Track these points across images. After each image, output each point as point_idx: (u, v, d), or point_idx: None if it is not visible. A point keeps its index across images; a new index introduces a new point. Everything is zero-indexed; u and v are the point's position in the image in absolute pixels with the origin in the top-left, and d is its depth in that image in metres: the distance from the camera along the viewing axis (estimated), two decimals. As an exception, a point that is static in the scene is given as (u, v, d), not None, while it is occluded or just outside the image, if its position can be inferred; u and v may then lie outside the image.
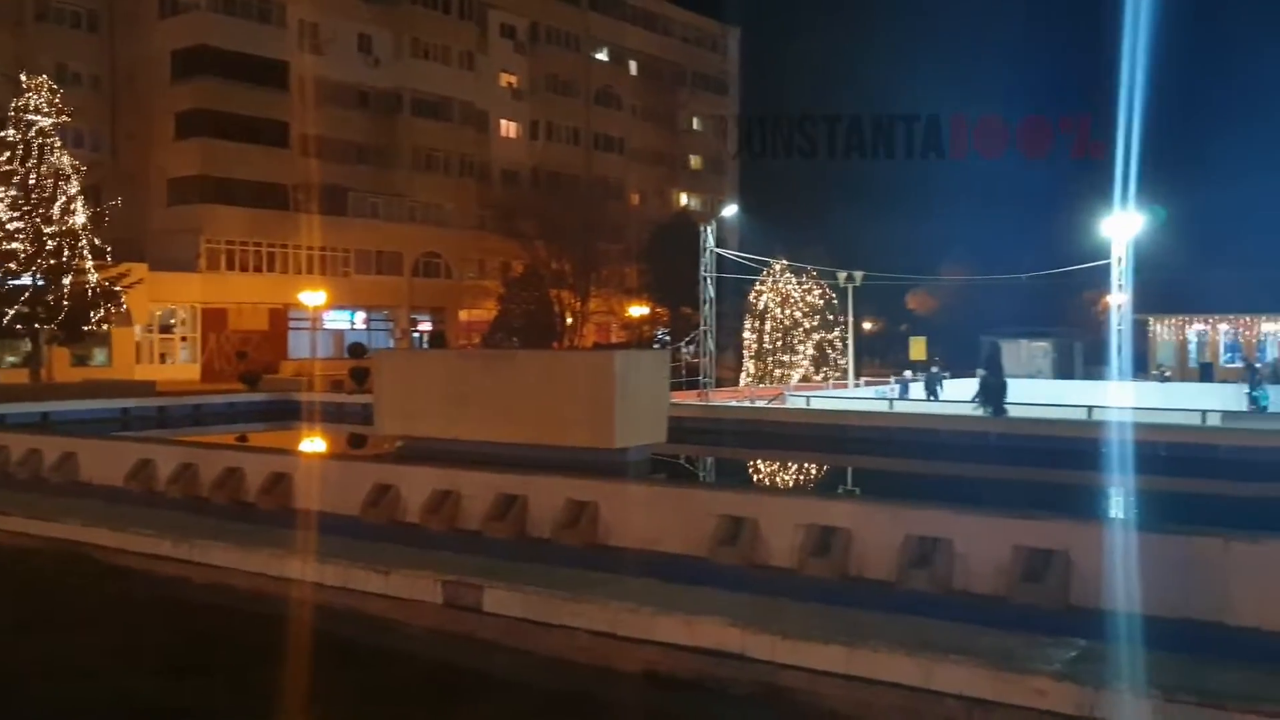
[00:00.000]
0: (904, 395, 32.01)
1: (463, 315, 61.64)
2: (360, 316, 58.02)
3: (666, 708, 6.58)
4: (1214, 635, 7.06)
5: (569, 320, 60.17)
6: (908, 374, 34.22)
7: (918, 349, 45.14)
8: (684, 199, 77.24)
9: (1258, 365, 35.48)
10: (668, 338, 55.40)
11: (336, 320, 56.44)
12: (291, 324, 54.63)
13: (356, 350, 34.06)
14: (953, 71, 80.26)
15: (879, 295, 54.63)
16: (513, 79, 66.18)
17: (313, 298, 49.60)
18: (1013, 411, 23.43)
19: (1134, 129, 30.37)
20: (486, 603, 7.78)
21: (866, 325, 62.16)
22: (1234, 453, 15.75)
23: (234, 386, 30.93)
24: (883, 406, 26.32)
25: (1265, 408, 29.08)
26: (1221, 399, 29.64)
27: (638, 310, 64.70)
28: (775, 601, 7.23)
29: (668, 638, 6.87)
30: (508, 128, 66.07)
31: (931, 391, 32.27)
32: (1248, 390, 29.95)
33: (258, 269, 53.14)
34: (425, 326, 59.98)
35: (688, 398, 29.38)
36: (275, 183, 53.19)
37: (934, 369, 34.12)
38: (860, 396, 31.50)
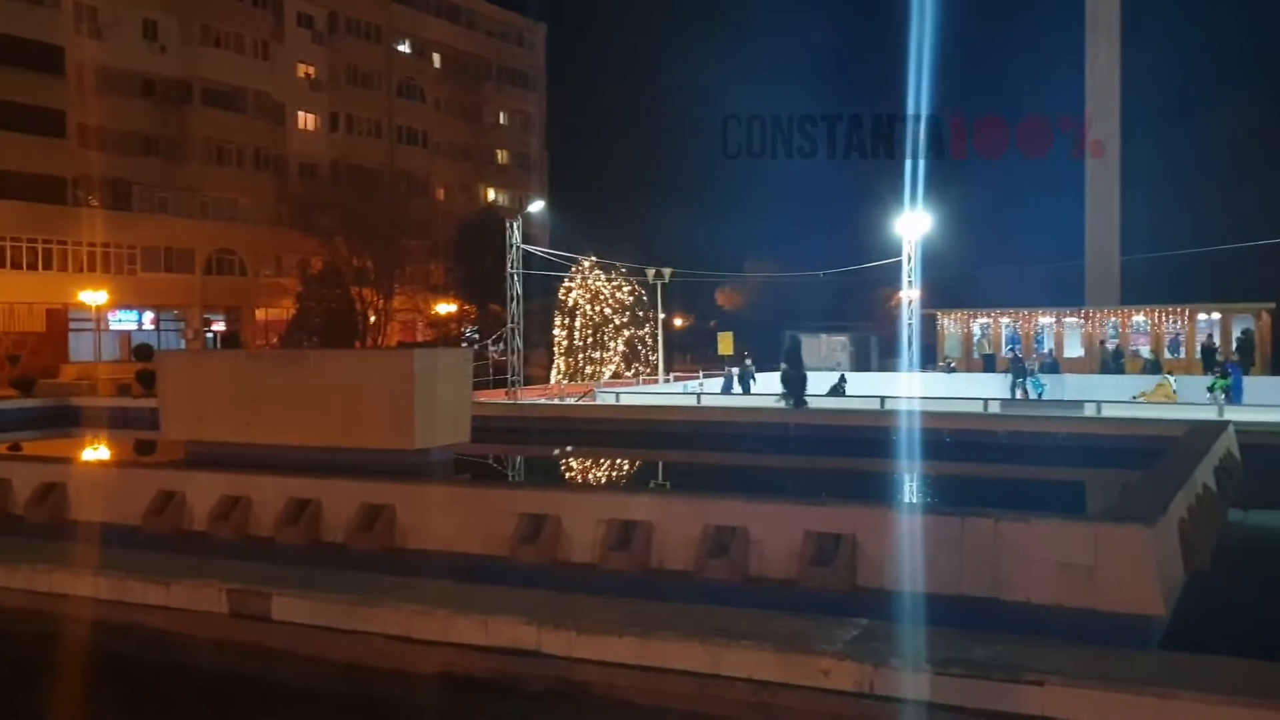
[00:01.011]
0: (729, 389, 32.48)
1: (259, 314, 59.30)
2: (149, 317, 54.98)
3: (461, 708, 6.49)
4: (987, 610, 7.47)
5: (372, 319, 58.73)
6: (734, 370, 34.70)
7: (725, 344, 46.06)
8: (491, 194, 76.61)
9: (1034, 357, 37.84)
10: (476, 335, 54.78)
11: (123, 321, 53.34)
12: (72, 325, 51.28)
13: (143, 352, 32.23)
14: (756, 69, 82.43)
15: (688, 292, 55.65)
16: (310, 70, 64.09)
17: (94, 297, 46.71)
18: (812, 403, 24.19)
19: (921, 131, 32.04)
20: (275, 610, 7.48)
21: (676, 321, 63.15)
22: (1011, 438, 16.72)
23: (5, 392, 28.82)
24: (690, 401, 26.74)
25: (1041, 394, 31.03)
26: (1002, 387, 31.50)
27: (445, 308, 63.78)
28: (573, 597, 7.22)
29: (465, 639, 6.77)
30: (306, 120, 63.95)
31: (744, 385, 32.96)
32: (1018, 379, 31.66)
33: (32, 267, 49.62)
34: (219, 327, 57.44)
35: (495, 396, 29.14)
36: (52, 175, 49.83)
37: (746, 362, 34.87)
38: (670, 392, 31.89)
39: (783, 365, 25.60)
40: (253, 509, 10.31)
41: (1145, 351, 37.32)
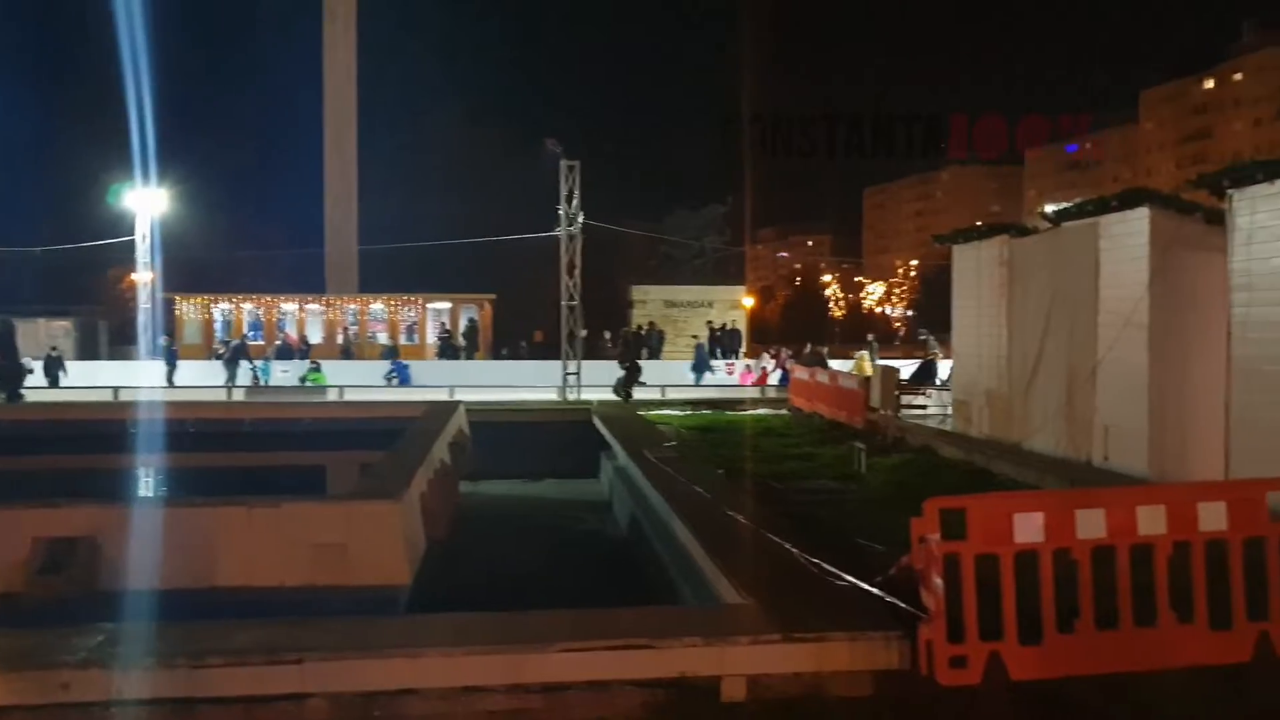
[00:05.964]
0: None
1: None
2: None
3: None
4: (243, 598, 7.40)
5: None
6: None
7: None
8: None
9: (277, 342, 37.99)
10: None
11: None
12: None
13: None
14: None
15: None
16: None
17: None
18: (30, 396, 22.04)
19: (147, 108, 30.55)
20: None
21: None
22: (256, 425, 16.76)
23: None
24: None
25: (267, 380, 31.10)
26: (244, 376, 31.08)
27: None
28: None
29: None
30: None
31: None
32: (252, 366, 31.28)
33: None
34: None
35: None
36: None
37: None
38: None
39: (-6, 352, 22.53)
40: None
41: (383, 338, 39.53)
